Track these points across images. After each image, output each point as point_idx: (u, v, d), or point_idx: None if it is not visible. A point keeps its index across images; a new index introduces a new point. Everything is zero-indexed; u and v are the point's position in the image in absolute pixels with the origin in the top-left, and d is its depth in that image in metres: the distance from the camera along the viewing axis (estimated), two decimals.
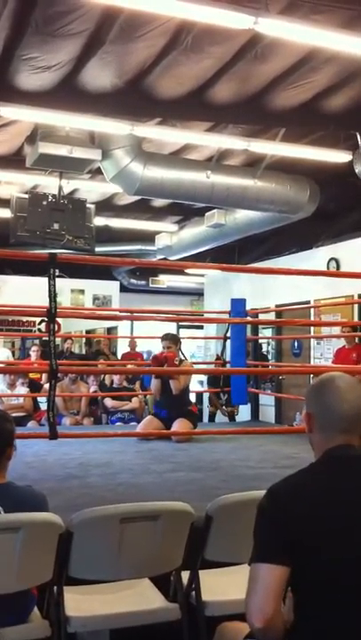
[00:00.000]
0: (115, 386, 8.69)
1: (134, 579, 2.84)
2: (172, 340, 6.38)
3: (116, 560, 2.61)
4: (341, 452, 1.89)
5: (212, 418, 9.88)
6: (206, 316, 11.83)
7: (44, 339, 9.96)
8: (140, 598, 2.77)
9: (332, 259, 9.71)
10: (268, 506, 1.84)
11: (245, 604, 1.78)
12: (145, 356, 12.38)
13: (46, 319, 4.55)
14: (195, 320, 12.00)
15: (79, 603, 2.66)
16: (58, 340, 8.37)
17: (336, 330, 8.55)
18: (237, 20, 4.68)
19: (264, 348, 10.92)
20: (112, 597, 2.77)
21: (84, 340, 13.85)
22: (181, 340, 6.68)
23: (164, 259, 11.93)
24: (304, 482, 1.88)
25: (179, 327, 15.04)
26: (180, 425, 6.06)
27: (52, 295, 4.40)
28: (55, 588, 2.60)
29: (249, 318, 8.00)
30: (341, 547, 1.77)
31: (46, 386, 6.80)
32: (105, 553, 2.61)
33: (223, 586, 2.86)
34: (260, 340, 10.05)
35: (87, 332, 13.94)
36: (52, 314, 4.40)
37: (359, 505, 1.82)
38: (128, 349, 11.72)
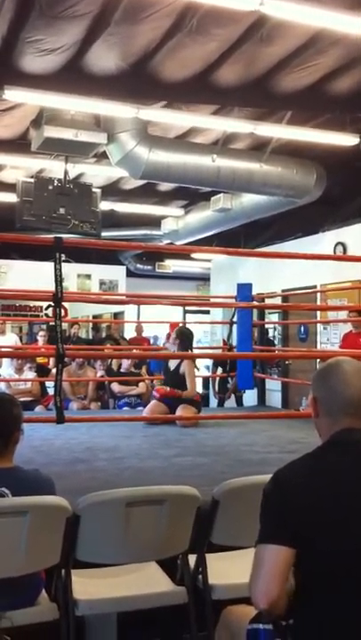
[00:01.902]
0: (123, 371, 8.70)
1: (141, 562, 2.85)
2: (180, 334, 6.38)
3: (122, 544, 2.62)
4: (346, 436, 1.89)
5: (221, 403, 9.89)
6: (213, 300, 11.81)
7: (50, 323, 9.96)
8: (147, 581, 2.79)
9: (338, 243, 9.66)
10: (272, 490, 1.85)
11: (250, 585, 1.80)
12: (151, 340, 12.40)
13: (52, 304, 4.55)
14: (201, 304, 11.98)
15: (87, 586, 2.67)
16: (65, 325, 8.40)
17: (343, 314, 8.52)
18: (243, 2, 4.63)
19: (270, 333, 10.90)
20: (119, 581, 2.79)
21: (90, 324, 13.86)
22: (190, 334, 6.64)
23: (171, 243, 11.90)
24: (309, 467, 1.88)
25: (185, 312, 15.06)
26: (184, 411, 6.08)
27: (58, 280, 4.40)
28: (63, 571, 2.61)
29: (255, 303, 7.98)
30: (341, 535, 1.78)
31: (54, 370, 6.83)
32: (112, 536, 2.62)
33: (230, 569, 2.87)
34: (267, 325, 10.04)
35: (94, 317, 13.95)
36: (58, 298, 4.39)
37: (357, 492, 1.82)
38: (135, 334, 11.73)
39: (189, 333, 6.62)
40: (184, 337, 6.44)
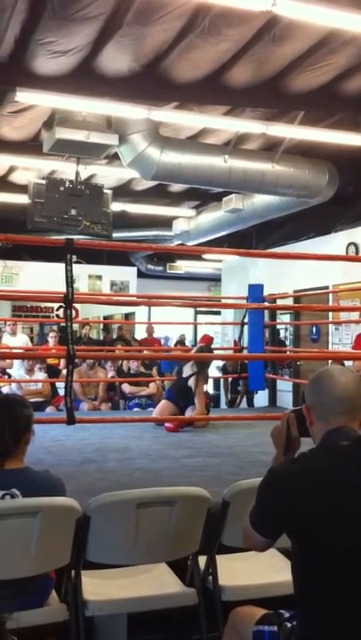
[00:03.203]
0: (132, 372, 8.71)
1: (151, 563, 2.85)
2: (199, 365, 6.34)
3: (132, 545, 2.62)
4: (337, 437, 1.90)
5: (231, 404, 9.89)
6: (224, 301, 11.80)
7: (61, 324, 9.99)
8: (157, 583, 2.79)
9: (351, 243, 9.62)
10: (267, 484, 1.94)
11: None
12: (162, 341, 12.41)
13: (63, 305, 4.56)
14: (212, 305, 11.98)
15: (97, 587, 2.68)
16: (76, 326, 8.41)
17: (355, 315, 8.49)
18: (255, 2, 4.62)
19: (282, 334, 10.88)
20: (129, 582, 2.79)
21: (101, 325, 13.89)
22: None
23: (182, 244, 11.90)
24: (301, 467, 1.92)
25: (196, 313, 15.05)
26: (194, 412, 6.07)
27: (69, 281, 4.41)
28: (73, 571, 2.62)
29: (266, 304, 7.97)
30: (334, 533, 1.80)
31: (64, 371, 6.84)
32: (122, 537, 2.63)
33: (240, 571, 2.87)
34: (278, 326, 10.02)
35: (105, 317, 13.98)
36: (68, 299, 4.41)
37: (353, 491, 1.84)
38: (145, 335, 11.74)
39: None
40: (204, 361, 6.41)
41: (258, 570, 2.85)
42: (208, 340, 7.80)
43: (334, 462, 1.87)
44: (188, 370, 6.28)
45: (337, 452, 1.88)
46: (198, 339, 8.39)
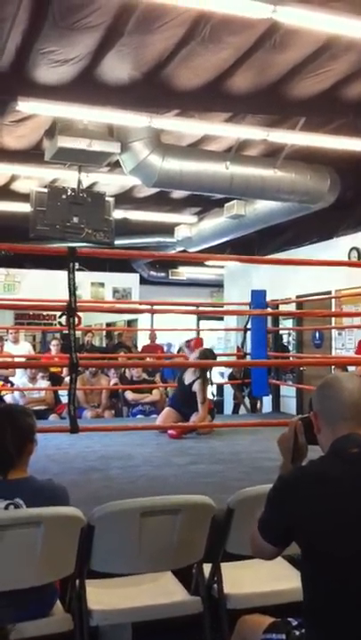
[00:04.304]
0: (134, 379, 8.70)
1: (156, 572, 2.85)
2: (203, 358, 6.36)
3: (137, 553, 2.62)
4: (345, 443, 1.89)
5: (235, 409, 9.87)
6: (226, 307, 11.79)
7: (64, 332, 9.99)
8: (161, 591, 2.78)
9: (353, 248, 9.61)
10: (276, 492, 1.96)
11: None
12: (165, 348, 12.40)
13: (66, 313, 4.57)
14: (215, 313, 11.98)
15: (101, 596, 2.67)
16: (78, 334, 8.41)
17: (358, 320, 8.47)
18: (256, 9, 4.63)
19: (285, 339, 10.87)
20: (134, 591, 2.78)
21: (104, 332, 13.88)
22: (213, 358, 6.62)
23: (184, 250, 11.90)
24: (310, 475, 1.92)
25: (199, 319, 15.04)
26: (198, 418, 6.06)
27: (72, 289, 4.41)
28: (77, 581, 2.61)
29: (269, 310, 7.97)
30: (344, 541, 1.80)
31: (67, 379, 6.84)
32: (126, 546, 2.62)
33: (245, 579, 2.86)
34: (281, 331, 10.01)
35: (107, 324, 13.97)
36: (71, 308, 4.41)
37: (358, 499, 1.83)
38: (148, 342, 11.73)
39: (213, 357, 6.58)
40: (205, 359, 6.40)
41: (263, 577, 2.84)
42: (199, 343, 7.80)
43: (344, 470, 1.86)
44: (190, 376, 6.27)
45: (347, 460, 1.87)
46: (185, 343, 8.30)
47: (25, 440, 2.57)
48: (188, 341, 8.07)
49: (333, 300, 9.59)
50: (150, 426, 6.30)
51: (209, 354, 6.60)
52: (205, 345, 6.81)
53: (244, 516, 2.71)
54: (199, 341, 8.21)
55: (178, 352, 11.30)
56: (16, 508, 2.45)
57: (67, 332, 4.57)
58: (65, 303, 4.50)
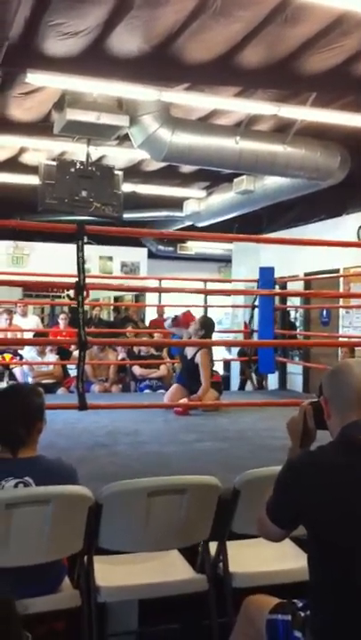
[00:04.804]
0: (142, 354, 8.72)
1: (162, 550, 2.88)
2: (203, 325, 6.33)
3: (144, 532, 2.65)
4: (356, 430, 1.90)
5: (242, 386, 9.89)
6: (234, 284, 11.76)
7: (72, 306, 9.99)
8: (168, 569, 2.82)
9: None
10: (285, 477, 1.97)
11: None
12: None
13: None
14: (222, 292, 11.94)
15: (109, 573, 2.71)
16: (86, 307, 8.42)
17: None
18: None
19: (292, 316, 10.86)
20: (141, 568, 2.83)
21: (112, 306, 13.90)
22: (212, 325, 6.58)
23: (192, 225, 11.85)
24: (321, 460, 1.93)
25: (206, 294, 15.01)
26: (201, 391, 6.07)
27: (81, 266, 4.41)
28: (85, 558, 2.65)
29: (277, 288, 7.94)
30: (349, 528, 1.82)
31: (75, 353, 6.85)
32: (133, 525, 2.66)
33: (250, 558, 2.90)
34: (289, 308, 10.00)
35: (115, 298, 13.98)
36: (80, 285, 4.42)
37: None
38: (156, 316, 11.75)
39: (211, 324, 6.56)
40: (206, 328, 6.38)
41: (268, 557, 2.88)
42: (189, 317, 7.74)
43: (352, 458, 1.87)
44: (191, 349, 6.28)
45: (356, 447, 1.88)
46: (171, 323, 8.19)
47: (34, 419, 2.59)
48: (174, 319, 7.86)
49: (341, 278, 9.56)
50: (156, 404, 6.31)
51: (208, 320, 6.58)
52: (212, 323, 6.72)
53: (250, 497, 2.74)
54: (189, 315, 8.13)
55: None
56: (26, 486, 2.48)
57: (75, 306, 4.56)
58: (73, 280, 4.50)
